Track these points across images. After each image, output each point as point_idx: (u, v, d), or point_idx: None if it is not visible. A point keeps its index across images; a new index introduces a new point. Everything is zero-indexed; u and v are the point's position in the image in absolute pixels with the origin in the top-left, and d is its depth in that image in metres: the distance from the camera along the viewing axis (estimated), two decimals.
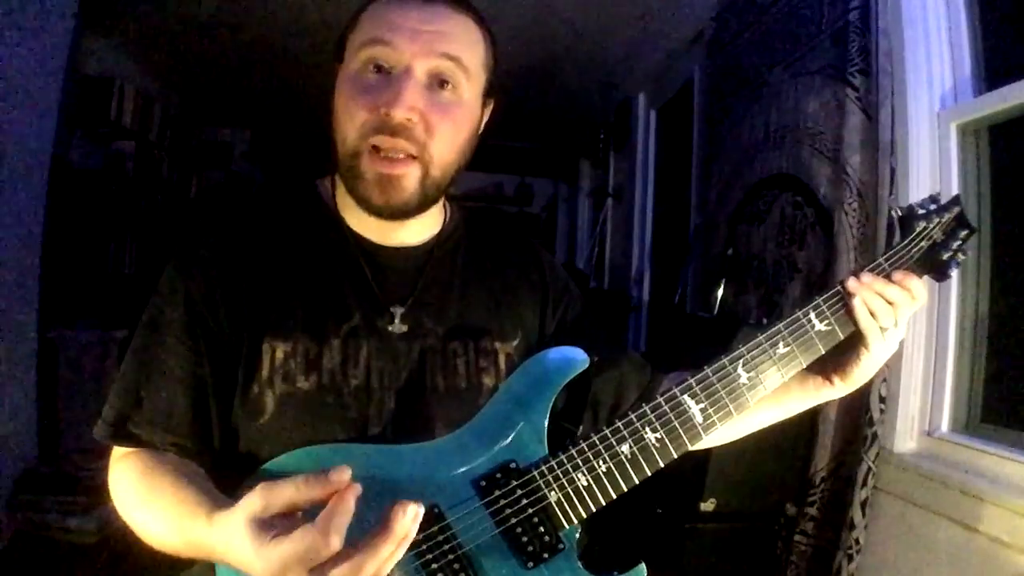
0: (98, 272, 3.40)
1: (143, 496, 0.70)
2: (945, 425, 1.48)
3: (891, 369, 1.52)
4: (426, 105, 0.72)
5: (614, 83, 3.85)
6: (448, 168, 0.77)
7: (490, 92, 0.82)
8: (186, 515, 0.64)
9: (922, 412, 1.52)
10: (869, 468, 1.50)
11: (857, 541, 1.51)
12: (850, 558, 1.51)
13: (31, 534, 2.43)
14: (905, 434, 1.52)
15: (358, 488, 0.55)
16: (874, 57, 1.61)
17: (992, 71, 1.47)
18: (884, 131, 1.55)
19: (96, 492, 2.45)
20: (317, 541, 0.52)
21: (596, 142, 4.40)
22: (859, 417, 1.55)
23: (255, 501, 0.55)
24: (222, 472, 0.74)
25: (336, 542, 0.53)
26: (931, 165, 1.52)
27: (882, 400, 1.50)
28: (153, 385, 0.74)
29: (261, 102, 4.68)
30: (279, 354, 0.74)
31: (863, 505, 1.50)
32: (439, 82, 0.74)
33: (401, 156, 0.73)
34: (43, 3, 2.40)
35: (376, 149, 0.73)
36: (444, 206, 0.90)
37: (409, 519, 0.55)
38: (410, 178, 0.74)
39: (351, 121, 0.73)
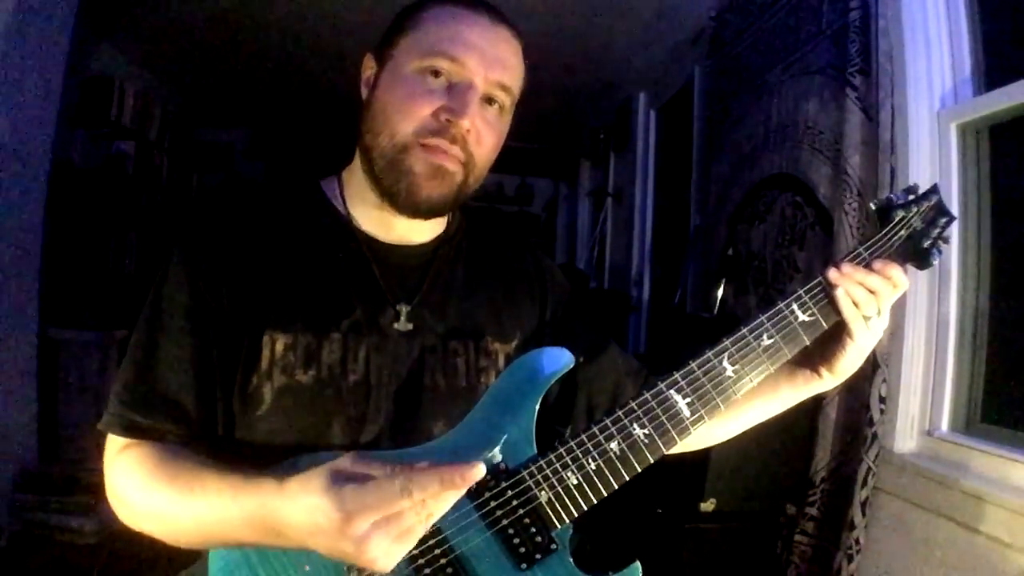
0: (98, 272, 3.41)
1: (168, 479, 0.68)
2: (945, 425, 1.48)
3: (891, 369, 1.52)
4: (479, 119, 0.76)
5: (614, 83, 3.86)
6: (480, 178, 0.81)
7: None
8: (241, 485, 0.63)
9: (922, 412, 1.52)
10: (869, 468, 1.50)
11: (857, 541, 1.51)
12: (850, 558, 1.51)
13: (31, 534, 2.43)
14: (905, 434, 1.52)
15: (472, 476, 0.56)
16: (874, 57, 1.61)
17: (992, 71, 1.48)
18: (884, 131, 1.55)
19: (96, 492, 2.45)
20: (394, 492, 0.55)
21: (596, 142, 4.40)
22: (859, 417, 1.55)
23: (342, 459, 0.59)
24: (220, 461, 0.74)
25: (416, 497, 0.55)
26: (931, 165, 1.52)
27: (882, 400, 1.50)
28: (160, 373, 0.73)
29: (261, 102, 4.68)
30: (279, 346, 0.74)
31: (863, 505, 1.50)
32: (488, 100, 0.78)
33: (452, 155, 0.76)
34: (43, 3, 2.40)
35: (430, 147, 0.75)
36: None
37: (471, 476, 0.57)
38: (456, 177, 0.77)
39: (407, 119, 0.75)
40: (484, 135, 0.77)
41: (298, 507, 0.58)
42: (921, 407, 1.52)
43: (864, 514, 1.50)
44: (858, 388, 1.54)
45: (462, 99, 0.74)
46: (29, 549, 2.39)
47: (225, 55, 3.77)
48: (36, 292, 2.54)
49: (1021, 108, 1.35)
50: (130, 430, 0.73)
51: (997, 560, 1.21)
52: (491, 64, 0.76)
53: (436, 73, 0.75)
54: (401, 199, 0.77)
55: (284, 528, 0.59)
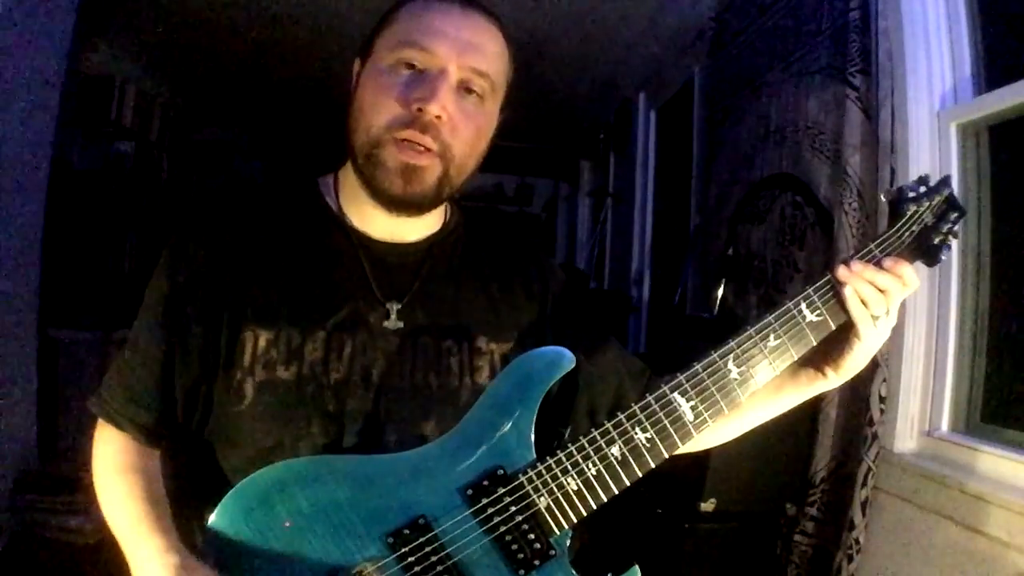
0: (98, 272, 3.40)
1: (113, 476, 0.79)
2: (945, 425, 1.48)
3: (891, 369, 1.51)
4: (454, 108, 0.75)
5: (614, 83, 3.85)
6: (464, 171, 0.79)
7: (504, 105, 0.84)
8: (144, 530, 0.73)
9: (922, 412, 1.52)
10: (869, 468, 1.49)
11: (857, 541, 1.50)
12: (850, 558, 1.50)
13: (31, 534, 2.43)
14: (905, 434, 1.52)
15: None
16: (874, 57, 1.60)
17: (992, 71, 1.47)
18: (884, 131, 1.55)
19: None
20: None
21: (596, 142, 4.40)
22: (859, 417, 1.55)
23: None
24: (200, 456, 0.77)
25: None
26: (931, 165, 1.52)
27: (882, 400, 1.50)
28: (131, 362, 0.79)
29: (261, 102, 4.68)
30: (262, 342, 0.74)
31: (863, 505, 1.50)
32: (466, 89, 0.76)
33: (425, 150, 0.74)
34: (43, 3, 2.40)
35: (401, 141, 0.74)
36: (444, 206, 0.90)
37: None
38: (431, 172, 0.76)
39: (380, 112, 0.74)
40: (460, 124, 0.75)
41: None
42: (921, 407, 1.52)
43: (864, 514, 1.50)
44: (858, 388, 1.54)
45: (431, 85, 0.73)
46: (29, 549, 2.38)
47: (225, 55, 3.77)
48: (36, 292, 2.54)
49: (1021, 108, 1.35)
50: (102, 413, 0.81)
51: (997, 560, 1.21)
52: (463, 50, 0.75)
53: (409, 65, 0.75)
54: (380, 194, 0.77)
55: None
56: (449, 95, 0.74)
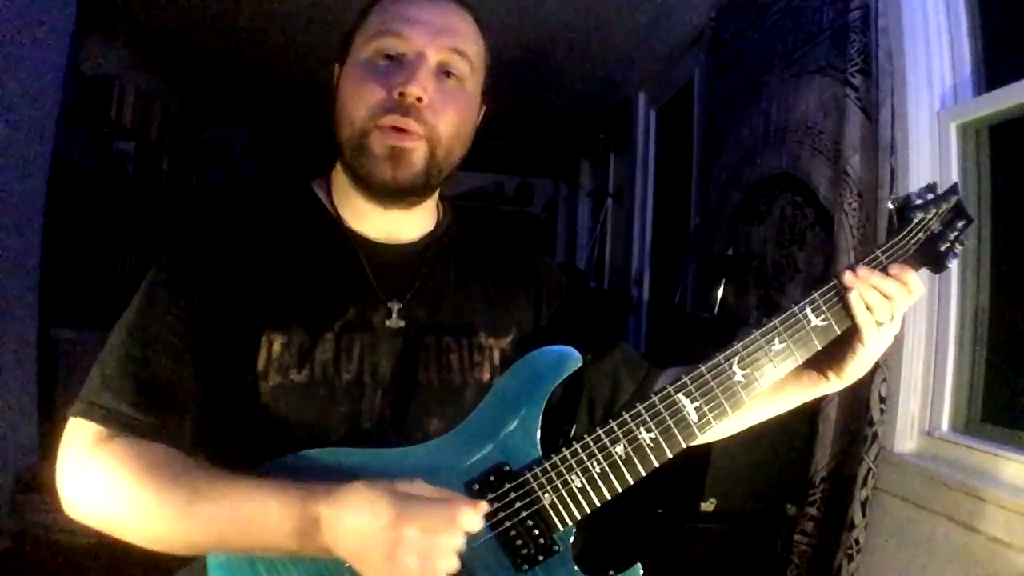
0: (98, 272, 3.40)
1: (184, 478, 0.66)
2: (945, 425, 1.48)
3: (891, 369, 1.51)
4: (435, 89, 0.75)
5: (614, 83, 3.86)
6: (451, 153, 0.79)
7: (484, 94, 0.84)
8: (276, 484, 0.64)
9: (922, 412, 1.52)
10: (869, 468, 1.50)
11: (857, 541, 1.50)
12: (850, 558, 1.50)
13: (32, 534, 2.43)
14: (905, 434, 1.52)
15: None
16: (874, 57, 1.60)
17: (992, 71, 1.47)
18: (884, 131, 1.55)
19: None
20: (449, 525, 0.60)
21: (596, 142, 4.40)
22: (859, 417, 1.55)
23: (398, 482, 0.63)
24: (213, 461, 0.74)
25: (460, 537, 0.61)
26: (931, 165, 1.52)
27: (882, 400, 1.50)
28: (154, 364, 0.71)
29: (260, 101, 4.68)
30: (276, 346, 0.74)
31: (863, 505, 1.50)
32: (446, 72, 0.77)
33: (411, 132, 0.75)
34: (43, 3, 2.40)
35: (386, 127, 0.74)
36: (437, 205, 0.91)
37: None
38: (418, 153, 0.76)
39: (362, 102, 0.75)
40: (442, 105, 0.76)
41: (348, 503, 0.61)
42: (921, 407, 1.52)
43: (864, 514, 1.50)
44: (858, 388, 1.54)
45: (410, 69, 0.74)
46: (30, 549, 2.39)
47: (225, 55, 3.77)
48: (36, 292, 2.54)
49: (1021, 108, 1.35)
50: (122, 424, 0.69)
51: (996, 560, 1.21)
52: (438, 32, 0.76)
53: (387, 56, 0.76)
54: (372, 183, 0.77)
55: (320, 523, 0.61)
56: (429, 77, 0.74)
